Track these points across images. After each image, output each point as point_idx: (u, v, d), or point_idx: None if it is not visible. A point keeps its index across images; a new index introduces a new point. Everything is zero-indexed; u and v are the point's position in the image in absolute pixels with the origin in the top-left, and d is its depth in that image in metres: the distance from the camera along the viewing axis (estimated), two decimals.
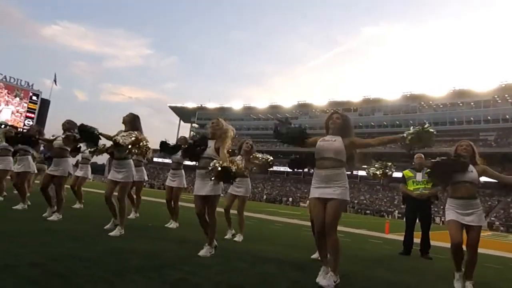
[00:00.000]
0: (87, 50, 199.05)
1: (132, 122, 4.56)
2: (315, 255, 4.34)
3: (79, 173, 7.68)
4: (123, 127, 4.60)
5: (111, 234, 4.37)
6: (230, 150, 4.42)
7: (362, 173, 52.50)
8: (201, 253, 3.78)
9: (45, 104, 51.07)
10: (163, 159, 59.10)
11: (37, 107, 49.66)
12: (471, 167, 3.55)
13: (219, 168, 3.47)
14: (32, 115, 48.91)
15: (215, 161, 3.57)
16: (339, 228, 3.09)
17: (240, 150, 5.49)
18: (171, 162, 6.48)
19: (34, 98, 49.66)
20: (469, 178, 3.50)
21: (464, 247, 3.52)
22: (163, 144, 5.72)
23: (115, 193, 4.59)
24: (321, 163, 3.12)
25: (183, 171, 6.36)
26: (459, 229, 3.49)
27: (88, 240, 4.01)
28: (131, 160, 4.63)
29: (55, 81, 51.43)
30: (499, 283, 4.49)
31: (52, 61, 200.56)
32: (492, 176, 3.59)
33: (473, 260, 3.51)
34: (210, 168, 3.53)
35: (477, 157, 3.65)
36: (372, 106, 61.04)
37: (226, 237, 5.37)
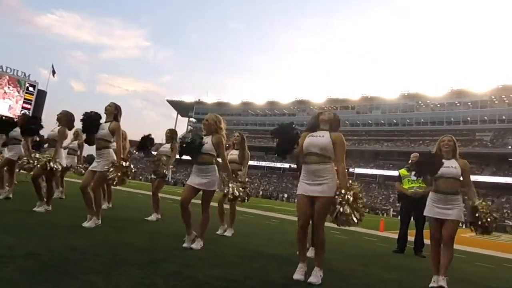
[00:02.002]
0: (84, 40, 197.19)
1: (115, 113, 4.60)
2: (310, 253, 4.34)
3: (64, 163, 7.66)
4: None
5: (85, 225, 4.28)
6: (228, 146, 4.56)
7: (358, 170, 52.75)
8: (194, 245, 3.83)
9: (41, 95, 50.65)
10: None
11: (33, 98, 49.32)
12: (454, 163, 3.56)
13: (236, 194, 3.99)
14: (29, 106, 48.58)
15: (231, 186, 4.02)
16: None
17: (234, 145, 5.53)
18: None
19: (31, 89, 49.29)
20: (452, 174, 3.51)
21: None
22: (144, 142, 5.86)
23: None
24: (308, 158, 3.13)
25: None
26: (439, 226, 3.53)
27: (84, 231, 4.01)
28: (111, 150, 4.55)
29: (53, 72, 50.95)
30: (491, 282, 4.54)
31: (48, 51, 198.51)
32: (464, 178, 3.57)
33: (448, 255, 3.49)
34: (227, 191, 3.99)
35: (458, 152, 3.67)
36: (370, 104, 61.12)
37: (217, 232, 5.35)
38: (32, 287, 2.02)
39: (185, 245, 3.84)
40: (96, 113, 4.55)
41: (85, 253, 2.96)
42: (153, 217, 6.00)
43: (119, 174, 4.28)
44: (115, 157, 4.48)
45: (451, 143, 3.66)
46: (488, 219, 3.46)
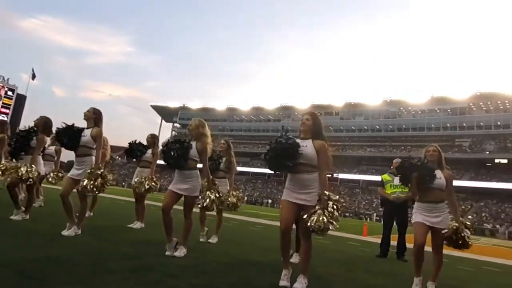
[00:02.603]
0: (67, 45, 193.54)
1: (94, 118, 4.49)
2: (294, 259, 4.35)
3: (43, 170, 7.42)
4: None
5: (64, 233, 4.16)
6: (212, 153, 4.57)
7: (342, 175, 53.28)
8: (177, 253, 3.78)
9: (20, 100, 49.39)
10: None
11: (12, 102, 48.03)
12: (439, 174, 3.64)
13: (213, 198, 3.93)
14: (7, 111, 47.27)
15: (208, 192, 3.95)
16: None
17: (220, 152, 5.51)
18: (140, 159, 6.14)
19: (10, 93, 48.03)
20: (437, 185, 3.60)
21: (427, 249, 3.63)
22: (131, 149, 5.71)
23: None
24: (294, 168, 3.10)
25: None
26: (424, 231, 3.59)
27: (63, 240, 3.90)
28: (94, 158, 4.43)
29: (33, 76, 49.79)
30: (471, 285, 4.64)
31: (30, 55, 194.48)
32: (447, 188, 3.66)
33: (438, 262, 3.63)
34: (204, 198, 3.90)
35: (444, 162, 3.76)
36: (353, 110, 62.04)
37: (201, 239, 5.29)
38: None
39: (167, 253, 3.78)
40: (77, 129, 4.43)
41: (64, 263, 2.88)
42: (137, 225, 5.90)
43: (93, 182, 4.17)
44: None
45: (436, 153, 3.73)
46: (462, 237, 3.62)
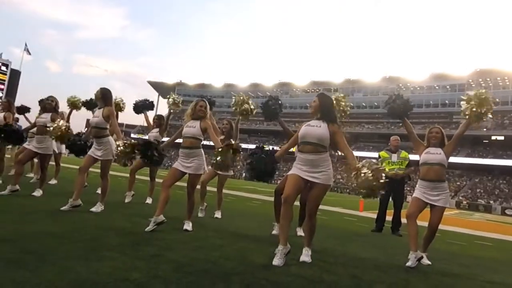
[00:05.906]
0: (59, 18, 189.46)
1: (101, 98, 4.56)
2: (275, 231, 4.48)
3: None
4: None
5: (92, 209, 4.42)
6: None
7: (339, 152, 53.53)
8: (186, 227, 4.02)
9: (15, 75, 48.71)
10: (141, 136, 58.01)
11: (6, 78, 47.32)
12: (439, 150, 3.79)
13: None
14: (2, 86, 46.65)
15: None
16: None
17: (222, 132, 5.54)
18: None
19: (4, 68, 47.25)
20: (438, 160, 3.72)
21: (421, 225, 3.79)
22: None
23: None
24: (304, 147, 3.15)
25: None
26: (419, 205, 3.74)
27: (64, 217, 3.94)
28: (111, 138, 4.57)
29: (27, 50, 48.73)
30: (461, 259, 4.75)
31: (21, 29, 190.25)
32: (447, 152, 3.79)
33: (431, 237, 3.86)
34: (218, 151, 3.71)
35: (446, 141, 3.89)
36: (352, 87, 61.56)
37: (199, 215, 5.37)
38: (9, 272, 1.98)
39: (186, 227, 4.04)
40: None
41: (63, 238, 2.91)
42: (148, 200, 6.18)
43: (128, 154, 4.20)
44: (114, 146, 4.45)
45: (439, 134, 3.88)
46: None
